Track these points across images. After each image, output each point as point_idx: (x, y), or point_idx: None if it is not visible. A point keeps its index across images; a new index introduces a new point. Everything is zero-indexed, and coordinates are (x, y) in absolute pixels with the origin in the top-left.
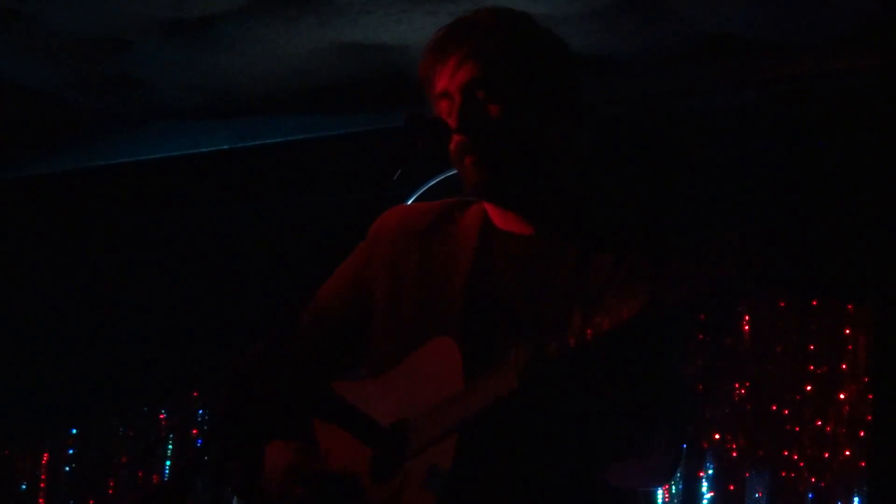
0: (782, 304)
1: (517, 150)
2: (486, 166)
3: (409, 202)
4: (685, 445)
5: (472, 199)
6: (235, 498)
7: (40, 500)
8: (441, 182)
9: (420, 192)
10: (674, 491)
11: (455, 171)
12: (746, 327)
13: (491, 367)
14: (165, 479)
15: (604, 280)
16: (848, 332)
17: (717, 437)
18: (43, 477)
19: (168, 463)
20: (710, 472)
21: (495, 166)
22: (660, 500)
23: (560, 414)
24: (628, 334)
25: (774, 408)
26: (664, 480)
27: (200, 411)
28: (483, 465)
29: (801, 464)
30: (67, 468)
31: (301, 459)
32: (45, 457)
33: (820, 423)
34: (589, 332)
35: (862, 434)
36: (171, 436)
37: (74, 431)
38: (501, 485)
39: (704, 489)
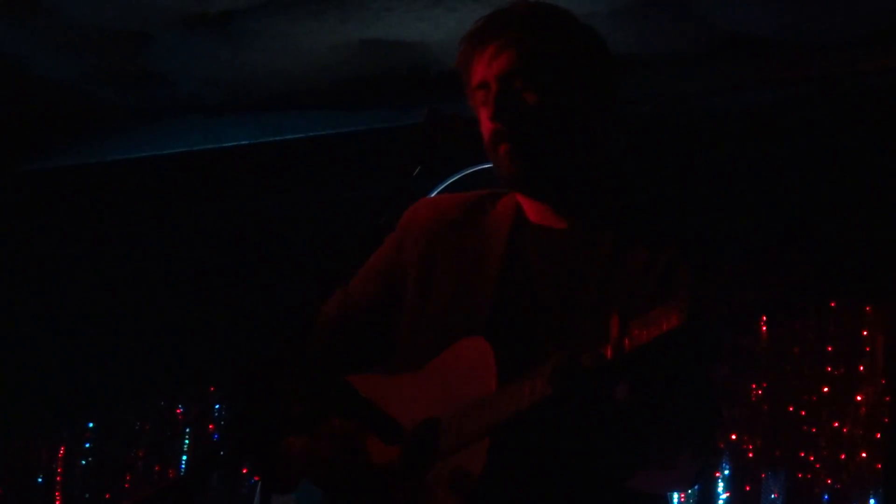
0: (800, 305)
1: (552, 140)
2: (521, 155)
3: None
4: (713, 449)
5: (503, 192)
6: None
7: (56, 493)
8: (465, 177)
9: (440, 189)
10: (689, 491)
11: (474, 169)
12: (764, 328)
13: (525, 373)
14: (181, 473)
15: (637, 279)
16: (866, 333)
17: (733, 437)
18: (59, 470)
19: (184, 457)
20: (727, 472)
21: (530, 155)
22: (675, 501)
23: (593, 423)
24: (665, 347)
25: (791, 409)
26: (689, 486)
27: (217, 406)
28: (513, 471)
29: (818, 465)
30: (84, 462)
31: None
32: (62, 450)
33: (837, 424)
34: (627, 343)
35: (878, 436)
36: (187, 430)
37: (91, 425)
38: (531, 491)
39: (720, 489)
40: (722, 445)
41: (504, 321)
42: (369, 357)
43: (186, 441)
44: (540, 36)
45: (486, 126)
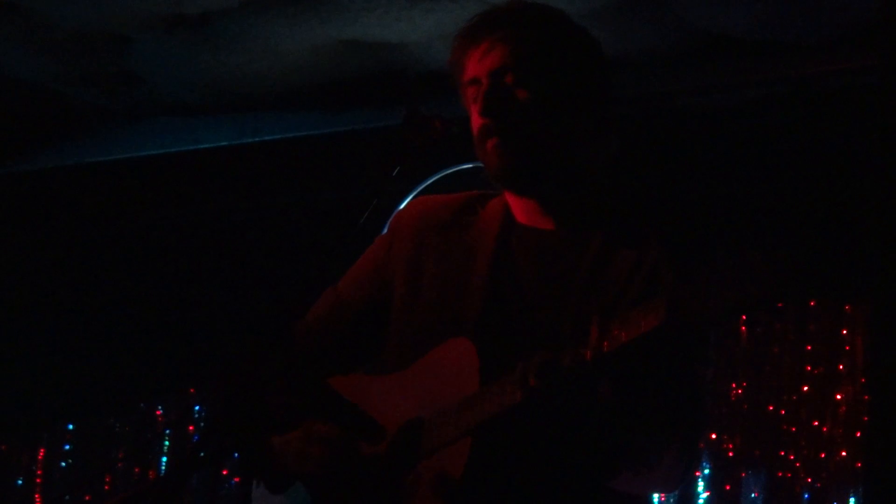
0: (780, 305)
1: (541, 137)
2: (509, 151)
3: (407, 200)
4: (696, 451)
5: (493, 193)
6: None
7: (36, 496)
8: (444, 178)
9: (419, 190)
10: None
11: (454, 170)
12: (744, 327)
13: (507, 373)
14: (161, 474)
15: (623, 281)
16: (845, 332)
17: (713, 436)
18: (39, 472)
19: (164, 459)
20: (707, 471)
21: (518, 151)
22: (656, 500)
23: (574, 423)
24: (646, 347)
25: (771, 408)
26: (675, 487)
27: (197, 407)
28: (494, 471)
29: (798, 464)
30: (64, 464)
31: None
32: (42, 452)
33: (816, 423)
34: (606, 344)
35: (858, 435)
36: (167, 432)
37: (71, 427)
38: (513, 492)
39: (701, 489)
40: (702, 445)
41: (491, 322)
42: (357, 357)
43: (166, 442)
44: (533, 33)
45: (475, 122)
